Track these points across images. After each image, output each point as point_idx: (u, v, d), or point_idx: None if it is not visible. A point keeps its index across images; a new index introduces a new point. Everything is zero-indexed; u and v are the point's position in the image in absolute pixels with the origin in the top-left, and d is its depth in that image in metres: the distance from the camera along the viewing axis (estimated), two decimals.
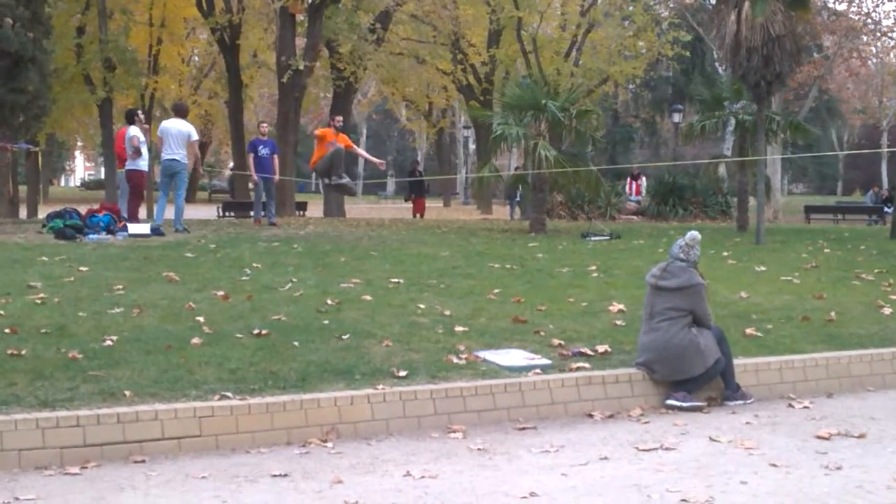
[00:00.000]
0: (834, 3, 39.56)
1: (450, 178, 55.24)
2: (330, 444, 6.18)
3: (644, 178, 31.73)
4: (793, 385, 7.85)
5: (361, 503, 5.16)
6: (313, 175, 36.79)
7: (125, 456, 5.82)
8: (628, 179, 31.95)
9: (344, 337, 8.01)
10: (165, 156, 16.81)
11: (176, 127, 16.88)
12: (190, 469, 5.70)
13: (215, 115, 51.12)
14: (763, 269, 13.15)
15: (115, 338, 7.67)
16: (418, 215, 30.88)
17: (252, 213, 20.91)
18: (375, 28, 28.89)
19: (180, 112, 17.66)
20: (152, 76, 38.20)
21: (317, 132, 18.36)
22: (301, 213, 29.37)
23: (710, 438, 6.45)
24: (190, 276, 11.07)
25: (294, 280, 11.02)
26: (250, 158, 19.97)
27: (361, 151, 21.60)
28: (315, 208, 33.41)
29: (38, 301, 9.20)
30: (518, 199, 32.73)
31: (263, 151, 19.82)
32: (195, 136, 17.12)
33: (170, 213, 17.39)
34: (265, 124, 21.72)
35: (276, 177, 20.27)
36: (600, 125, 23.20)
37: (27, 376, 6.55)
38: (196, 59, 50.28)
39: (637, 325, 8.08)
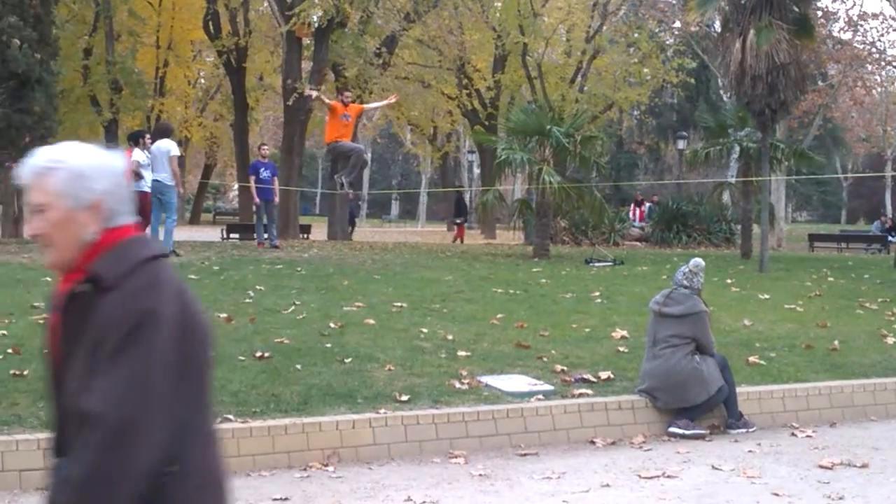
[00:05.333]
0: (839, 31, 39.61)
1: (456, 189, 55.26)
2: (331, 469, 6.17)
3: (647, 205, 31.75)
4: (796, 414, 7.84)
5: None
6: (318, 196, 36.65)
7: None
8: (632, 206, 31.99)
9: (346, 360, 8.01)
10: (153, 177, 16.79)
11: (157, 147, 16.86)
12: None
13: (221, 137, 51.20)
14: (766, 297, 13.13)
15: None
16: (458, 240, 31.24)
17: (255, 236, 20.90)
18: (381, 52, 28.98)
19: (163, 132, 17.63)
20: (158, 98, 38.40)
21: (331, 103, 17.67)
22: (305, 235, 29.38)
23: (713, 467, 6.43)
24: None
25: (297, 303, 11.02)
26: (252, 181, 19.98)
27: (374, 105, 21.32)
28: (319, 231, 33.42)
29: (42, 321, 9.19)
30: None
31: (265, 174, 19.85)
32: (174, 153, 16.97)
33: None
34: (265, 147, 21.75)
35: (277, 199, 20.31)
36: (605, 151, 23.27)
37: (29, 397, 6.54)
38: (202, 81, 50.42)
39: (640, 352, 8.07)
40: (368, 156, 62.72)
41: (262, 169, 19.95)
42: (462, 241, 31.17)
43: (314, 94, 18.76)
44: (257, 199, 19.80)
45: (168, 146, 16.85)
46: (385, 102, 20.25)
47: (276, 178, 20.25)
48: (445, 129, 48.74)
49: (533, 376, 7.85)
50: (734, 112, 22.44)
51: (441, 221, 57.44)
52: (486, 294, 12.62)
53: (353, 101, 17.76)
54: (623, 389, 7.66)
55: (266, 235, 19.96)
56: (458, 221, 34.44)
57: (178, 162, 17.22)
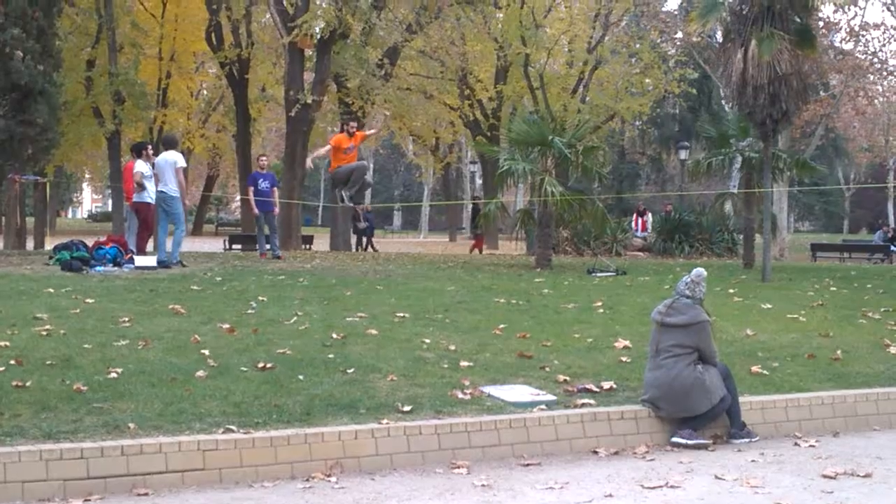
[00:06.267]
0: (841, 42, 39.66)
1: (458, 202, 55.32)
2: (334, 479, 6.17)
3: (650, 214, 31.77)
4: (798, 423, 7.83)
5: None
6: (320, 207, 36.75)
7: (128, 489, 5.81)
8: (634, 216, 32.03)
9: (349, 371, 8.01)
10: (158, 188, 16.86)
11: (164, 158, 16.93)
12: (193, 502, 5.69)
13: (223, 148, 51.33)
14: (769, 306, 13.12)
15: (120, 370, 7.67)
16: (477, 251, 31.16)
17: (257, 248, 20.95)
18: (383, 63, 29.05)
19: (167, 143, 17.71)
20: (161, 109, 38.47)
21: (330, 142, 17.91)
22: (307, 246, 29.42)
23: (716, 476, 6.42)
24: (196, 309, 11.08)
25: (299, 314, 11.02)
26: (250, 192, 20.05)
27: (371, 132, 21.62)
28: (321, 242, 33.46)
29: (44, 333, 9.21)
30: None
31: (263, 185, 19.91)
32: (181, 163, 17.00)
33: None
34: (264, 157, 21.86)
35: (277, 209, 20.38)
36: (607, 161, 23.31)
37: (32, 408, 6.55)
38: (205, 92, 50.54)
39: (642, 362, 8.06)
40: (370, 170, 62.89)
41: (261, 180, 20.01)
42: (480, 252, 31.00)
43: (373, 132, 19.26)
44: (256, 211, 19.88)
45: (174, 157, 16.91)
46: (375, 131, 20.34)
47: (275, 189, 20.30)
48: (447, 139, 48.86)
49: (535, 386, 7.84)
50: (736, 122, 22.45)
51: (443, 232, 57.39)
52: (488, 304, 12.61)
53: (356, 132, 17.78)
54: (626, 399, 7.66)
55: (268, 246, 19.99)
56: (478, 232, 34.39)
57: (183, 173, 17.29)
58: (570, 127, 23.19)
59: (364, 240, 35.81)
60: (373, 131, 21.59)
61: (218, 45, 34.21)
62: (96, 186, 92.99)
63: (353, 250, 31.69)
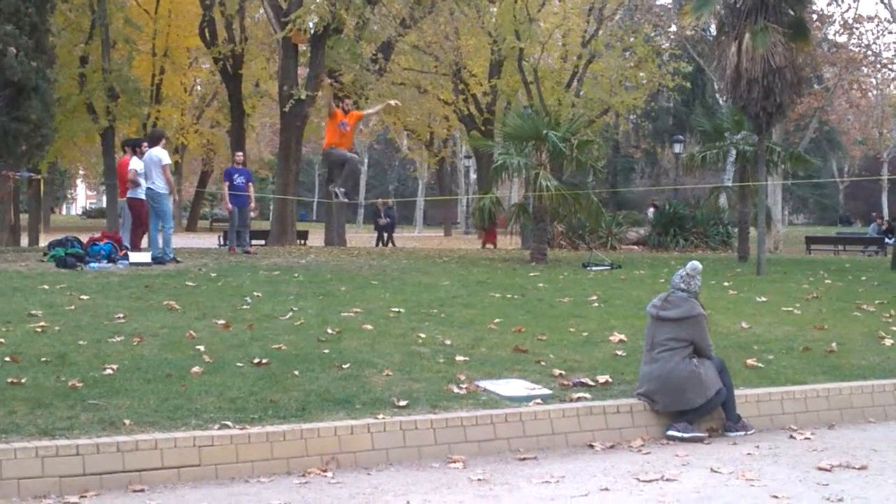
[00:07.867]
0: (834, 34, 39.72)
1: (452, 198, 55.24)
2: (330, 474, 6.17)
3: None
4: (794, 416, 7.84)
5: None
6: (314, 203, 36.67)
7: (124, 485, 5.80)
8: (651, 208, 32.32)
9: (344, 366, 8.00)
10: (146, 185, 16.85)
11: (149, 154, 16.89)
12: (189, 498, 5.68)
13: (217, 144, 51.22)
14: (764, 299, 13.14)
15: (115, 366, 7.66)
16: (490, 245, 31.09)
17: (227, 242, 21.08)
18: (377, 58, 28.99)
19: (153, 139, 17.63)
20: (155, 105, 38.41)
21: (333, 108, 17.91)
22: (302, 241, 29.40)
23: (711, 469, 6.43)
24: (190, 305, 11.07)
25: (295, 309, 11.02)
26: (225, 187, 20.19)
27: (371, 110, 21.62)
28: (316, 237, 33.43)
29: (39, 329, 9.19)
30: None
31: (239, 180, 20.04)
32: (165, 161, 16.96)
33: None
34: (240, 154, 22.10)
35: (252, 204, 20.51)
36: (601, 155, 23.30)
37: (27, 405, 6.54)
38: (198, 88, 50.45)
39: (638, 356, 8.07)
40: (364, 165, 62.80)
41: (237, 175, 20.21)
42: (495, 246, 30.86)
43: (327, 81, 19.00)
44: (230, 206, 20.03)
45: (159, 154, 16.86)
46: (381, 106, 20.19)
47: (250, 184, 20.47)
48: (442, 134, 48.76)
49: (531, 380, 7.84)
50: (730, 115, 22.48)
51: (439, 226, 57.26)
52: (483, 299, 12.62)
53: (352, 109, 17.69)
54: (621, 393, 7.66)
55: (238, 242, 20.07)
56: (486, 226, 34.24)
57: (172, 168, 17.24)
58: (565, 121, 23.16)
59: (385, 236, 35.79)
60: (371, 111, 21.47)
61: (211, 40, 34.12)
62: (90, 183, 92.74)
63: (375, 246, 31.76)
